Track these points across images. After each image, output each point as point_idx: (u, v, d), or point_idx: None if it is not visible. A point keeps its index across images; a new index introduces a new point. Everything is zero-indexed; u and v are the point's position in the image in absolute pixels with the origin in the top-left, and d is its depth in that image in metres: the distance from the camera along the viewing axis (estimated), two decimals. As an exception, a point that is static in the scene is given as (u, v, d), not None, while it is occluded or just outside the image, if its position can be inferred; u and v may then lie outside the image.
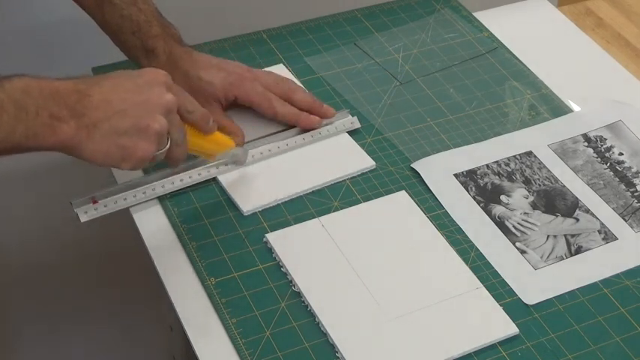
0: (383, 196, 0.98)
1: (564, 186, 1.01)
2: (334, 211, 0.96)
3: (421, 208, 0.97)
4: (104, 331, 1.56)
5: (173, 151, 0.85)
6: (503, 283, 0.90)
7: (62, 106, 0.78)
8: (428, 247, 0.93)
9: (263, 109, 1.03)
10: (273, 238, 0.92)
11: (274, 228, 0.94)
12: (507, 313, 0.87)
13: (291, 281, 0.89)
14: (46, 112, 0.77)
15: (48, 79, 0.79)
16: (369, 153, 1.03)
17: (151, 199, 0.96)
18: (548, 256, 0.93)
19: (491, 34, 1.22)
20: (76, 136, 0.79)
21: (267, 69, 1.11)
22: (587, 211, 0.98)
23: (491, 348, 0.85)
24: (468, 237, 0.95)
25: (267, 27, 1.20)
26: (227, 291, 0.88)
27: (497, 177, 1.01)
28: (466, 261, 0.92)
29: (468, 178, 1.01)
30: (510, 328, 0.86)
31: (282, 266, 0.90)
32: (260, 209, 0.96)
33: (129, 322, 1.57)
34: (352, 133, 1.06)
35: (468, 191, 0.99)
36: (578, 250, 0.94)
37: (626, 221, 0.98)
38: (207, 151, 0.93)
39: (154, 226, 0.94)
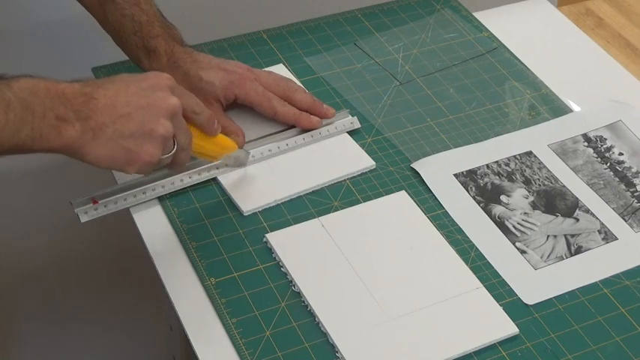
0: (383, 196, 0.98)
1: (564, 186, 1.01)
2: (334, 211, 0.96)
3: (421, 208, 0.97)
4: (104, 330, 1.56)
5: (178, 155, 0.85)
6: (503, 283, 0.90)
7: (68, 108, 0.78)
8: (428, 247, 0.93)
9: (263, 109, 1.03)
10: (273, 238, 0.92)
11: (274, 228, 0.94)
12: (507, 313, 0.87)
13: (291, 281, 0.89)
14: (53, 114, 0.77)
15: (54, 80, 0.79)
16: (369, 153, 1.03)
17: (151, 199, 0.96)
18: (548, 256, 0.93)
19: (491, 34, 1.22)
20: (82, 139, 0.79)
21: (267, 69, 1.11)
22: (587, 211, 0.98)
23: (491, 348, 0.85)
24: (468, 237, 0.95)
25: (267, 27, 1.20)
26: (227, 291, 0.88)
27: (497, 177, 1.01)
28: (466, 261, 0.92)
29: (468, 178, 1.01)
30: (510, 328, 0.86)
31: (282, 266, 0.90)
32: (260, 209, 0.96)
33: (129, 322, 1.57)
34: (352, 133, 1.06)
35: (468, 191, 0.99)
36: (578, 250, 0.94)
37: (626, 221, 0.98)
38: (210, 154, 0.93)
39: (154, 226, 0.94)
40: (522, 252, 0.93)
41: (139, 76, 0.84)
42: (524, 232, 0.95)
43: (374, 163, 1.02)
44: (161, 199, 0.97)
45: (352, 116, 1.07)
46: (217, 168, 0.99)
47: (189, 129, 0.87)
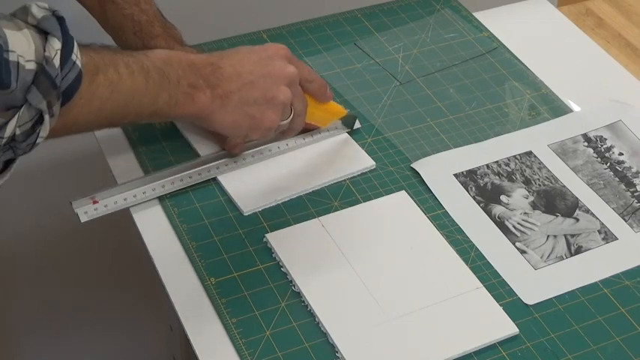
0: (383, 196, 0.98)
1: (564, 186, 1.01)
2: (334, 211, 0.96)
3: (421, 208, 0.97)
4: (104, 330, 1.56)
5: (295, 121, 0.92)
6: (503, 283, 0.90)
7: (199, 76, 0.84)
8: (428, 247, 0.93)
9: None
10: (273, 238, 0.92)
11: (274, 228, 0.94)
12: (507, 313, 0.87)
13: (291, 281, 0.89)
14: (186, 82, 0.83)
15: (182, 52, 0.86)
16: (369, 153, 1.03)
17: (151, 199, 0.96)
18: (548, 256, 0.93)
19: (491, 34, 1.22)
20: (211, 106, 0.85)
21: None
22: (587, 211, 0.98)
23: (491, 348, 0.85)
24: (468, 237, 0.95)
25: (267, 27, 1.20)
26: (227, 291, 0.88)
27: (497, 177, 1.01)
28: (466, 261, 0.92)
29: (468, 178, 1.01)
30: (510, 328, 0.86)
31: (282, 266, 0.90)
32: (260, 209, 0.96)
33: (129, 322, 1.57)
34: (352, 133, 1.06)
35: (468, 191, 0.99)
36: (578, 250, 0.94)
37: (626, 221, 0.98)
38: (321, 120, 1.00)
39: (154, 226, 0.94)
40: (522, 252, 0.93)
41: (258, 47, 0.91)
42: (524, 232, 0.95)
43: (374, 163, 1.02)
44: (161, 199, 0.97)
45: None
46: (217, 168, 0.99)
47: (306, 97, 0.93)
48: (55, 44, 0.70)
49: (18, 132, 0.69)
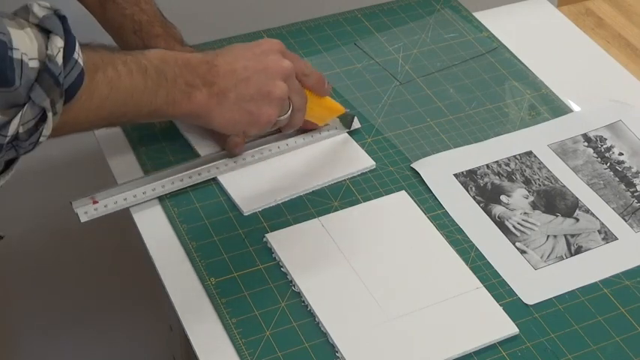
0: (383, 196, 0.98)
1: (564, 186, 1.01)
2: (334, 211, 0.96)
3: (421, 208, 0.97)
4: (104, 330, 1.56)
5: (294, 116, 0.92)
6: (503, 283, 0.90)
7: (194, 75, 0.84)
8: (428, 247, 0.93)
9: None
10: (273, 238, 0.92)
11: (274, 228, 0.94)
12: (507, 313, 0.87)
13: (291, 281, 0.89)
14: (182, 80, 0.83)
15: (177, 52, 0.86)
16: (369, 153, 1.03)
17: (151, 199, 0.96)
18: (548, 256, 0.93)
19: (491, 34, 1.22)
20: (208, 104, 0.85)
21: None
22: (587, 211, 0.98)
23: (491, 348, 0.85)
24: (468, 237, 0.95)
25: (267, 27, 1.20)
26: (227, 291, 0.88)
27: (497, 177, 1.01)
28: (466, 261, 0.92)
29: (468, 178, 1.01)
30: (510, 328, 0.86)
31: (282, 266, 0.90)
32: (260, 209, 0.96)
33: (129, 322, 1.57)
34: (352, 133, 1.06)
35: (468, 191, 0.99)
36: (578, 250, 0.94)
37: (626, 221, 0.98)
38: (319, 116, 1.00)
39: (154, 226, 0.94)
40: (522, 252, 0.93)
41: (253, 43, 0.91)
42: (524, 232, 0.95)
43: (374, 163, 1.02)
44: (161, 199, 0.97)
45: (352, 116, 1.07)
46: (217, 168, 0.99)
47: (305, 91, 0.93)
48: (58, 42, 0.70)
49: (21, 130, 0.69)
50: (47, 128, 0.71)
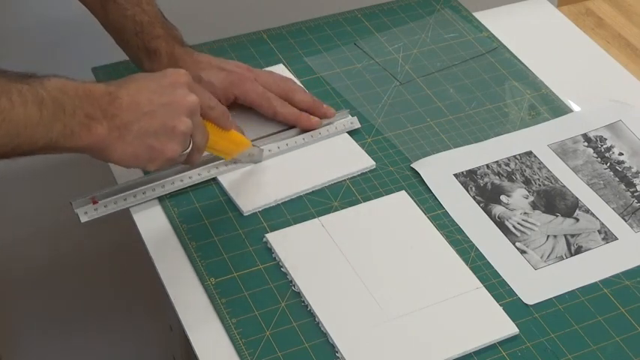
0: (383, 196, 0.98)
1: (564, 186, 1.01)
2: (334, 211, 0.96)
3: (421, 208, 0.97)
4: (104, 330, 1.56)
5: (192, 154, 0.87)
6: (503, 283, 0.90)
7: (96, 107, 0.80)
8: (428, 247, 0.93)
9: (263, 109, 1.03)
10: (273, 238, 0.92)
11: (274, 228, 0.94)
12: (507, 313, 0.87)
13: (291, 281, 0.89)
14: (82, 112, 0.79)
15: (80, 81, 0.81)
16: (369, 153, 1.03)
17: (151, 199, 0.96)
18: (548, 256, 0.93)
19: (491, 34, 1.22)
20: (108, 137, 0.81)
21: (267, 69, 1.11)
22: (587, 211, 0.98)
23: (491, 348, 0.85)
24: (468, 237, 0.95)
25: (267, 27, 1.20)
26: (227, 291, 0.88)
27: (497, 177, 1.01)
28: (466, 261, 0.92)
29: (468, 178, 1.01)
30: (510, 328, 0.86)
31: (282, 266, 0.90)
32: (260, 209, 0.96)
33: (129, 321, 1.57)
34: (352, 133, 1.06)
35: (468, 191, 0.99)
36: (578, 250, 0.94)
37: (626, 221, 0.98)
38: (225, 150, 0.95)
39: (154, 226, 0.94)
40: (522, 252, 0.93)
41: (158, 73, 0.86)
42: (524, 232, 0.95)
43: (374, 163, 1.02)
44: (161, 199, 0.97)
45: (352, 116, 1.07)
46: (217, 168, 0.99)
47: (206, 126, 0.89)
48: None
49: None
50: None
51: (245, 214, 0.95)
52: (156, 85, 0.84)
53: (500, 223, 0.96)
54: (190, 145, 0.86)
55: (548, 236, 0.95)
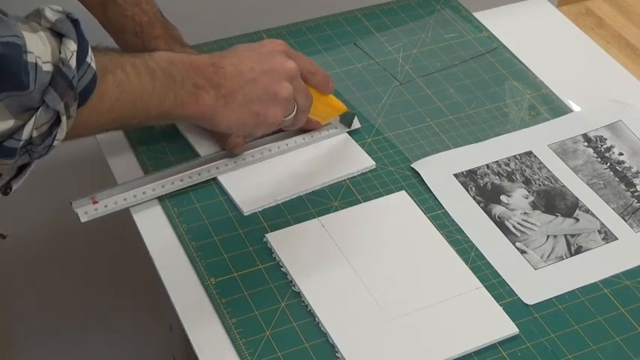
0: (383, 196, 0.98)
1: (564, 186, 1.01)
2: (334, 211, 0.96)
3: (421, 208, 0.97)
4: (104, 330, 1.56)
5: (298, 116, 0.92)
6: (503, 283, 0.90)
7: (202, 77, 0.85)
8: (428, 247, 0.93)
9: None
10: (273, 238, 0.92)
11: (274, 228, 0.94)
12: (507, 313, 0.87)
13: (291, 281, 0.89)
14: (190, 82, 0.83)
15: (184, 53, 0.87)
16: (369, 153, 1.03)
17: (151, 199, 0.96)
18: (548, 256, 0.93)
19: (491, 34, 1.22)
20: (215, 106, 0.85)
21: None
22: (587, 211, 0.98)
23: (491, 348, 0.85)
24: (468, 237, 0.95)
25: (267, 27, 1.20)
26: (227, 291, 0.88)
27: (497, 177, 1.01)
28: (466, 261, 0.92)
29: (468, 178, 1.01)
30: (510, 328, 0.86)
31: (282, 266, 0.90)
32: (260, 209, 0.96)
33: (129, 321, 1.57)
34: (352, 133, 1.06)
35: (468, 191, 0.99)
36: (578, 250, 0.94)
37: (626, 221, 0.98)
38: (322, 114, 1.00)
39: (154, 226, 0.94)
40: (522, 252, 0.93)
41: (257, 44, 0.92)
42: (524, 232, 0.95)
43: (374, 163, 1.02)
44: (161, 199, 0.97)
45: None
46: (217, 168, 0.99)
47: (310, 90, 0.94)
48: (71, 46, 0.70)
49: (35, 134, 0.69)
50: (61, 132, 0.70)
51: (245, 214, 0.95)
52: (256, 54, 0.89)
53: (500, 223, 0.96)
54: (295, 109, 0.91)
55: (548, 236, 0.95)
